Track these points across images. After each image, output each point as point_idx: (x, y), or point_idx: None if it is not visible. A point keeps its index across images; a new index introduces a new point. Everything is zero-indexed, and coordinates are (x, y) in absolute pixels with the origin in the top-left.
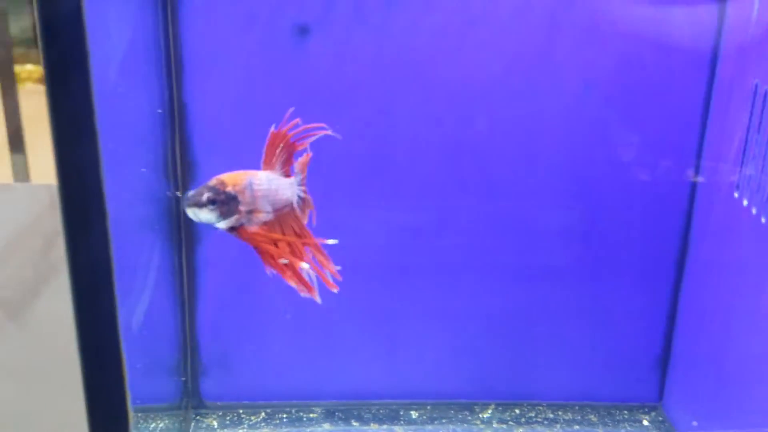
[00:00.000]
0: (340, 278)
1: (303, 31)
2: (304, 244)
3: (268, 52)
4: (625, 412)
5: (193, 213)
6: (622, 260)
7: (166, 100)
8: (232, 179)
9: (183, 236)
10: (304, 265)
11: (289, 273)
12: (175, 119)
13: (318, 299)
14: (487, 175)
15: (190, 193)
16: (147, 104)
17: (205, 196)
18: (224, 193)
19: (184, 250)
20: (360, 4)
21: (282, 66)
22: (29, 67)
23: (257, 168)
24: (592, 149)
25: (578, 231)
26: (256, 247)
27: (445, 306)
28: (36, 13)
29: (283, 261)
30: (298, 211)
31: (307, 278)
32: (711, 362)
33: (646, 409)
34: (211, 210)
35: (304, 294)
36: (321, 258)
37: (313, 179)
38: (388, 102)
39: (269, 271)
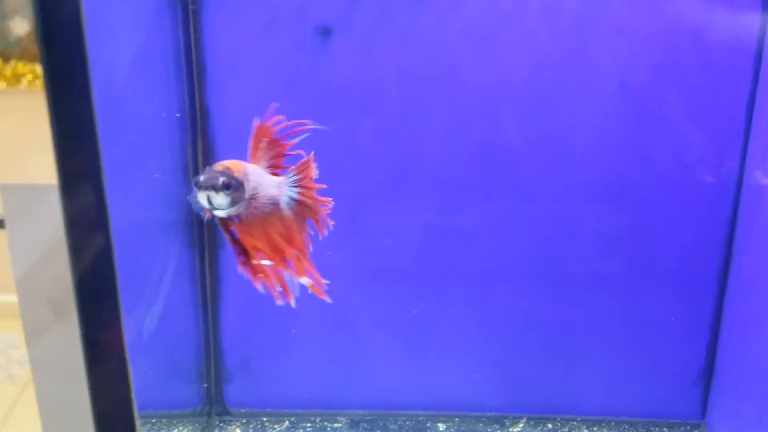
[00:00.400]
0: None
1: (326, 32)
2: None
3: (290, 54)
4: (665, 429)
5: (205, 197)
6: (662, 269)
7: (187, 103)
8: (236, 166)
9: (206, 240)
10: (305, 281)
11: (262, 275)
12: (197, 122)
13: (294, 304)
14: (519, 180)
15: (203, 177)
16: (166, 108)
17: (221, 180)
18: (235, 178)
19: (207, 254)
20: (384, 4)
21: (305, 68)
22: None
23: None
24: (630, 153)
25: (617, 239)
26: (242, 243)
27: (475, 314)
28: (35, 18)
29: (265, 262)
30: (287, 212)
31: (288, 284)
32: (757, 378)
33: (688, 427)
34: (227, 195)
35: (279, 302)
36: (304, 267)
37: (339, 184)
38: (415, 104)
39: (242, 269)
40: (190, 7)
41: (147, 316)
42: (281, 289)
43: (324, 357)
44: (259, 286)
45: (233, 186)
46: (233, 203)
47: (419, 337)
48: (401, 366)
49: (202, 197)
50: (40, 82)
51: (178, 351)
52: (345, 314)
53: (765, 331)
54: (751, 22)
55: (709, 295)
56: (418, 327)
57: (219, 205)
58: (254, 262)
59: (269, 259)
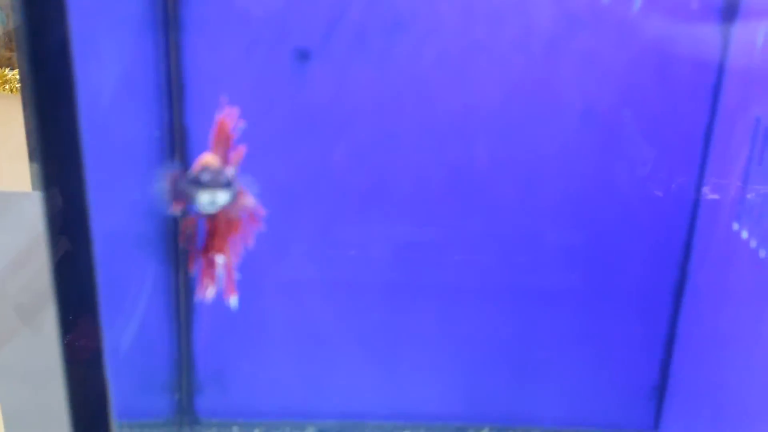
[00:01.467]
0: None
1: (304, 56)
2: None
3: (269, 76)
4: None
5: (211, 196)
6: (620, 287)
7: (167, 122)
8: (217, 161)
9: (180, 254)
10: (220, 260)
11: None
12: (176, 141)
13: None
14: (487, 199)
15: (205, 175)
16: (147, 127)
17: (226, 177)
18: (232, 174)
19: (181, 268)
20: (361, 30)
21: (283, 90)
22: None
23: None
24: (592, 177)
25: (577, 258)
26: (212, 239)
27: (441, 327)
28: (24, 42)
29: (219, 257)
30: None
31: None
32: (708, 392)
33: None
34: (228, 191)
35: (202, 295)
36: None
37: (315, 199)
38: (389, 126)
39: (200, 264)
40: (171, 30)
41: (125, 329)
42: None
43: (294, 368)
44: (210, 284)
45: (233, 182)
46: (231, 199)
47: (387, 348)
48: (370, 377)
49: (204, 196)
50: (8, 86)
51: (151, 362)
52: (315, 326)
53: (715, 350)
54: (710, 57)
55: (664, 314)
56: (386, 339)
57: (223, 202)
58: (216, 258)
59: (226, 255)
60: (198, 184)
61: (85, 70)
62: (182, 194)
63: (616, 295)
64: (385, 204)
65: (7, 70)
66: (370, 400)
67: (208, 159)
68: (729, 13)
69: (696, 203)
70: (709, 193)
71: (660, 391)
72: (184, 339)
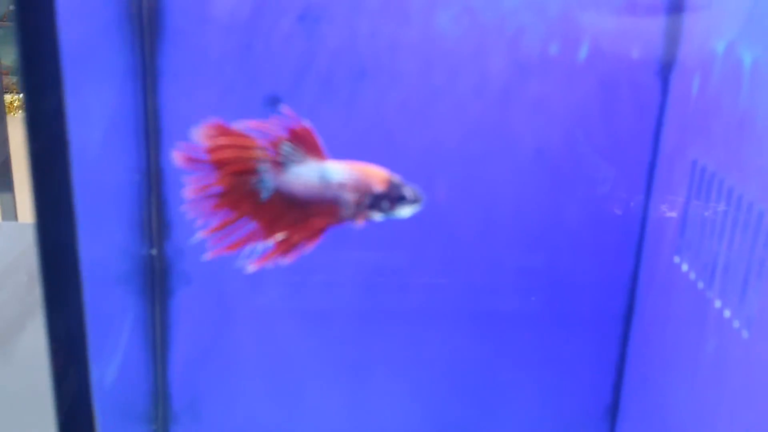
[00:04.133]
0: None
1: (274, 102)
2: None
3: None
4: None
5: (411, 210)
6: (574, 313)
7: (144, 164)
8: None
9: (157, 291)
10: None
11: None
12: (152, 182)
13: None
14: (449, 231)
15: (408, 191)
16: (125, 169)
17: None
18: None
19: (157, 302)
20: (329, 78)
21: None
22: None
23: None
24: (545, 210)
25: (534, 285)
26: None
27: (407, 352)
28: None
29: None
30: None
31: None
32: (656, 412)
33: None
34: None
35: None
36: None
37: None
38: None
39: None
40: (149, 78)
41: (108, 366)
42: None
43: (267, 395)
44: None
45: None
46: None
47: (358, 374)
48: (342, 403)
49: (408, 210)
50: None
51: (128, 393)
52: (287, 353)
53: (661, 376)
54: (651, 99)
55: (614, 337)
56: (357, 365)
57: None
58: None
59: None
60: (403, 200)
61: (72, 120)
62: (371, 208)
63: (570, 320)
64: (352, 233)
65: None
66: (343, 427)
67: (375, 168)
68: (667, 65)
69: (641, 236)
70: (652, 228)
71: (613, 411)
72: (159, 370)
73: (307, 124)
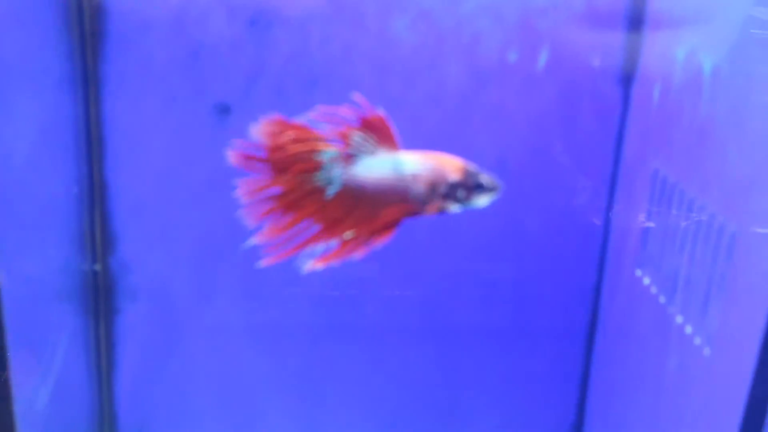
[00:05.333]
0: None
1: (224, 110)
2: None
3: (188, 130)
4: None
5: (489, 198)
6: (537, 329)
7: (86, 177)
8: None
9: (101, 308)
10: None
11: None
12: (95, 196)
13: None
14: (409, 243)
15: (485, 178)
16: (64, 182)
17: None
18: None
19: (102, 321)
20: (281, 85)
21: (203, 144)
22: None
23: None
24: (504, 222)
25: (496, 301)
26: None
27: (367, 368)
28: None
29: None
30: None
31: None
32: (620, 429)
33: None
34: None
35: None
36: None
37: (235, 245)
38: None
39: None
40: (90, 86)
41: (41, 387)
42: None
43: (219, 417)
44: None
45: None
46: None
47: (313, 392)
48: (295, 422)
49: (485, 200)
50: None
51: (72, 419)
52: (239, 372)
53: (625, 390)
54: (612, 108)
55: (578, 352)
56: (311, 382)
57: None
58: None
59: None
60: (480, 188)
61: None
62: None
63: (532, 334)
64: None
65: None
66: None
67: (446, 156)
68: (628, 74)
69: (604, 248)
70: (614, 241)
71: (577, 428)
72: (105, 390)
73: (380, 112)
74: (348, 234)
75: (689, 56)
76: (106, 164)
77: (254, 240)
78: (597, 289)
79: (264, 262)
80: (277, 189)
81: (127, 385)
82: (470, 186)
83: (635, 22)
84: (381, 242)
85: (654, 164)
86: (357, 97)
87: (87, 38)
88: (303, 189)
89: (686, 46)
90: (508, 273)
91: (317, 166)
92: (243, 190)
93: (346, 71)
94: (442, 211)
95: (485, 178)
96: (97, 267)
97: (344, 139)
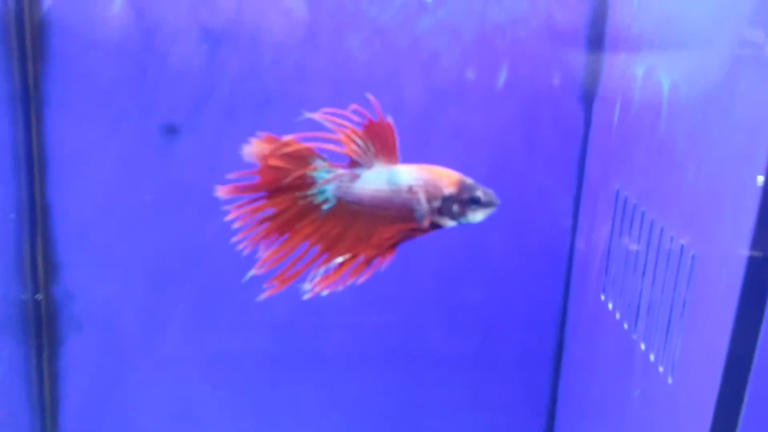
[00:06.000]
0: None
1: (172, 131)
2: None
3: (135, 151)
4: None
5: (484, 214)
6: (503, 355)
7: (27, 201)
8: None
9: (44, 338)
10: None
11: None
12: (37, 220)
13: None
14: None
15: (481, 193)
16: (1, 207)
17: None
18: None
19: (45, 353)
20: (231, 106)
21: (150, 166)
22: None
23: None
24: (467, 246)
25: (460, 326)
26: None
27: (322, 397)
28: None
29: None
30: None
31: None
32: None
33: None
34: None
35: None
36: None
37: (188, 273)
38: None
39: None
40: (32, 105)
41: None
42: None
43: None
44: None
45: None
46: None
47: (268, 422)
48: None
49: (481, 215)
50: None
51: None
52: (192, 404)
53: (591, 417)
54: (572, 128)
55: (545, 378)
56: (266, 412)
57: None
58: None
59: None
60: (476, 202)
61: None
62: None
63: (499, 362)
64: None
65: None
66: None
67: (445, 170)
68: (589, 92)
69: (569, 272)
70: (579, 264)
71: None
72: (49, 425)
73: (389, 119)
74: (339, 259)
75: (648, 72)
76: (48, 188)
77: (254, 271)
78: (563, 314)
79: (265, 294)
80: (270, 210)
81: (73, 420)
82: (465, 200)
83: (596, 40)
84: (384, 264)
85: (616, 184)
86: (370, 97)
87: (28, 56)
88: (297, 207)
89: (646, 62)
90: (472, 297)
91: (311, 182)
92: (236, 215)
93: (300, 90)
94: (436, 227)
95: (482, 193)
96: (39, 296)
97: (345, 142)
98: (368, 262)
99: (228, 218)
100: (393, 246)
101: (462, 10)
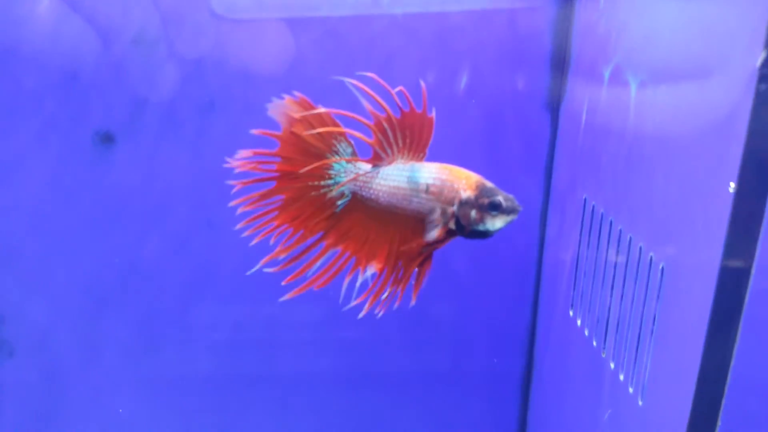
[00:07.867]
0: None
1: (107, 139)
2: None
3: (68, 161)
4: None
5: (504, 222)
6: (470, 374)
7: None
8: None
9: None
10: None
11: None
12: None
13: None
14: (338, 285)
15: (503, 200)
16: None
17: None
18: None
19: None
20: (170, 112)
21: (83, 175)
22: None
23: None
24: (436, 262)
25: (421, 341)
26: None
27: (272, 423)
28: None
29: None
30: None
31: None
32: None
33: None
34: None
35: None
36: None
37: (128, 290)
38: (208, 207)
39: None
40: None
41: None
42: None
43: None
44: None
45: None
46: None
47: None
48: None
49: (500, 223)
50: None
51: None
52: (129, 430)
53: None
54: (539, 128)
55: (514, 398)
56: None
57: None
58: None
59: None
60: (496, 208)
61: None
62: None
63: (467, 381)
64: (207, 291)
65: None
66: None
67: (462, 170)
68: (555, 96)
69: (537, 286)
70: (547, 278)
71: None
72: None
73: (431, 114)
74: (373, 268)
75: (615, 71)
76: None
77: (267, 269)
78: (532, 330)
79: (289, 295)
80: (279, 198)
81: None
82: (484, 205)
83: (561, 40)
84: (423, 278)
85: (583, 193)
86: (422, 84)
87: None
88: (309, 199)
89: (613, 62)
90: (438, 314)
91: (328, 168)
92: (241, 201)
93: (246, 93)
94: (454, 234)
95: (503, 197)
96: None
97: (375, 131)
98: (407, 278)
99: (233, 203)
100: (428, 258)
101: (420, 10)
